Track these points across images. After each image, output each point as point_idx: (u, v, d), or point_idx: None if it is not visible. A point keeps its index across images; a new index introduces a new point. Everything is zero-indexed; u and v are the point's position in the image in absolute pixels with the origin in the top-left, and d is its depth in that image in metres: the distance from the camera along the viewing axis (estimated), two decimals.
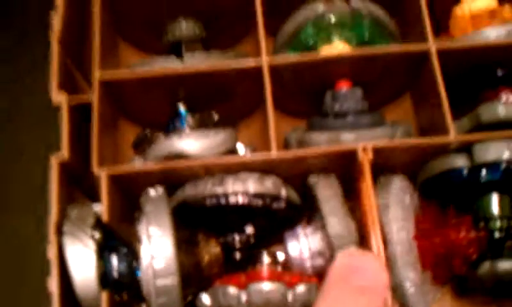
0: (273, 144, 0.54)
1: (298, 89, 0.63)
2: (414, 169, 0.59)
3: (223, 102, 0.64)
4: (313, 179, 0.56)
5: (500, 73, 0.61)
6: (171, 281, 0.47)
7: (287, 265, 0.57)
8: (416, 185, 0.60)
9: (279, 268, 0.56)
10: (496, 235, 0.57)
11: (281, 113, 0.66)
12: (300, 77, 0.61)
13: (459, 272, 0.57)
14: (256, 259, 0.56)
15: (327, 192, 0.54)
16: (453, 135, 0.55)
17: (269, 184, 0.54)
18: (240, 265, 0.56)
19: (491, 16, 0.63)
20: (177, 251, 0.48)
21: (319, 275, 0.55)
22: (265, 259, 0.56)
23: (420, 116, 0.64)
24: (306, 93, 0.63)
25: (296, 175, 0.57)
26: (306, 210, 0.59)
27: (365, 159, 0.54)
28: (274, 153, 0.54)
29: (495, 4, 0.63)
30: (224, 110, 0.63)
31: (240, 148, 0.60)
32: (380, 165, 0.56)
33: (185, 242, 0.52)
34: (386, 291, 0.42)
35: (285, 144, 0.62)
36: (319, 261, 0.55)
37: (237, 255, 0.57)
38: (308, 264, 0.56)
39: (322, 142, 0.57)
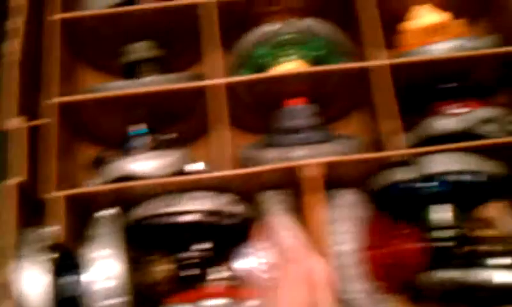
0: (226, 162, 0.56)
1: (254, 106, 0.64)
2: (367, 182, 0.60)
3: (181, 120, 0.65)
4: (261, 196, 0.57)
5: (449, 86, 0.62)
6: (120, 301, 0.48)
7: (242, 279, 0.58)
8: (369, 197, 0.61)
9: (232, 284, 0.57)
10: (443, 244, 0.58)
11: (239, 130, 0.67)
12: (255, 95, 0.62)
13: (408, 281, 0.58)
14: (211, 276, 0.58)
15: (274, 207, 0.55)
16: (399, 149, 0.56)
17: (224, 201, 0.55)
18: (195, 282, 0.57)
19: (442, 30, 0.64)
20: (128, 271, 0.49)
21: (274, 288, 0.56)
22: (219, 275, 0.58)
23: (372, 130, 0.65)
24: (261, 110, 0.64)
25: (251, 191, 0.58)
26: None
27: (313, 175, 0.55)
28: (227, 172, 0.55)
29: (445, 18, 0.64)
30: (183, 129, 0.64)
31: (199, 165, 0.61)
32: (332, 179, 0.58)
33: (138, 262, 0.53)
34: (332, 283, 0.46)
35: (242, 161, 0.63)
36: (272, 275, 0.56)
37: (192, 272, 0.58)
38: (262, 278, 0.57)
39: (273, 159, 0.58)
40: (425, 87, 0.62)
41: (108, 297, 0.49)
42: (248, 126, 0.68)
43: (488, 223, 0.60)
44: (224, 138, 0.57)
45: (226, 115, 0.57)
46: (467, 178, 0.56)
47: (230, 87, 0.59)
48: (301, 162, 0.56)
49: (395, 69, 0.60)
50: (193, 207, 0.55)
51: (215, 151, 0.61)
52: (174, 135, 0.61)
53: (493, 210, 0.60)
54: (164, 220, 0.55)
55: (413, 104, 0.63)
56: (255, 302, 0.53)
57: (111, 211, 0.54)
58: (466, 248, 0.59)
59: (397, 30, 0.66)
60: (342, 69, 0.60)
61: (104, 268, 0.49)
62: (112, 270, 0.49)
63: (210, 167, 0.62)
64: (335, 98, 0.65)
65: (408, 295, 0.63)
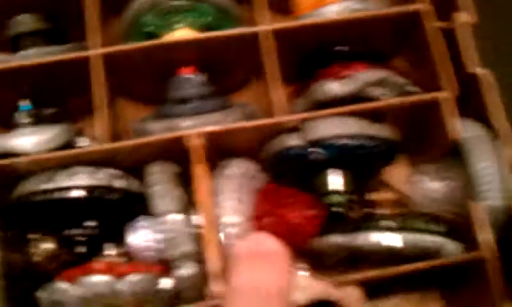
0: (102, 135, 0.54)
1: (146, 77, 0.63)
2: (261, 150, 0.60)
3: (70, 95, 0.63)
4: (147, 168, 0.56)
5: (339, 49, 0.61)
6: None
7: (131, 255, 0.57)
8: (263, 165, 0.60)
9: (122, 260, 0.56)
10: (335, 209, 0.58)
11: (134, 102, 0.66)
12: (145, 65, 0.61)
13: (300, 248, 0.57)
14: (100, 252, 0.56)
15: (157, 178, 0.54)
16: (279, 116, 0.55)
17: (101, 176, 0.54)
18: (84, 260, 0.56)
19: None
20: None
21: (163, 262, 0.55)
22: (108, 251, 0.57)
23: (266, 98, 0.64)
24: (154, 81, 0.63)
25: (140, 164, 0.57)
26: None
27: (195, 145, 0.54)
28: (108, 145, 0.54)
29: None
30: (73, 103, 0.62)
31: (83, 140, 0.59)
32: (225, 148, 0.57)
33: (14, 242, 0.52)
34: (285, 254, 0.46)
35: (133, 134, 0.62)
36: (161, 249, 0.55)
37: (78, 250, 0.56)
38: (150, 253, 0.56)
39: (158, 131, 0.57)
40: (318, 51, 0.61)
41: None
42: (143, 98, 0.66)
43: (383, 187, 0.60)
44: (115, 111, 0.55)
45: (116, 86, 0.55)
46: (351, 142, 0.55)
47: (110, 58, 0.57)
48: (183, 133, 0.54)
49: (283, 34, 0.58)
50: (72, 183, 0.53)
51: (106, 125, 0.60)
52: (54, 110, 0.59)
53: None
54: (43, 197, 0.54)
55: (308, 69, 0.62)
56: (136, 276, 0.52)
57: None
58: (359, 212, 0.58)
59: None
60: (227, 35, 0.58)
61: None
62: None
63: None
64: (230, 67, 0.64)
65: (307, 261, 0.63)
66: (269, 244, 0.47)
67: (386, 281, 0.62)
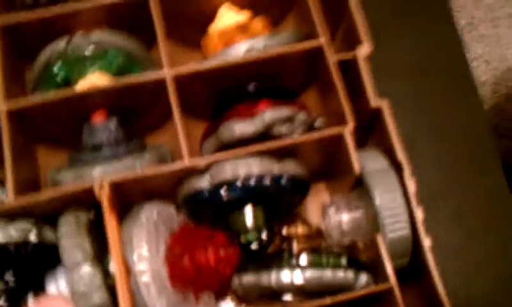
0: (10, 189, 0.55)
1: (60, 123, 0.63)
2: (174, 191, 0.61)
3: None
4: (58, 219, 0.57)
5: (249, 88, 0.62)
6: None
7: None
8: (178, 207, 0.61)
9: None
10: (251, 247, 0.59)
11: (53, 148, 0.67)
12: (57, 113, 0.62)
13: (214, 289, 0.59)
14: (21, 304, 0.57)
15: (66, 230, 0.55)
16: (186, 159, 0.56)
17: (13, 232, 0.55)
18: None
19: (241, 31, 0.64)
20: None
21: None
22: (30, 301, 0.58)
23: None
24: (68, 128, 0.63)
25: (55, 212, 0.58)
26: None
27: (103, 195, 0.55)
28: (11, 200, 0.55)
29: (243, 18, 0.64)
30: None
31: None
32: (131, 193, 0.58)
33: None
34: None
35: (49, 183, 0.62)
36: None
37: (1, 302, 0.57)
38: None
39: (69, 180, 0.58)
40: (228, 91, 0.62)
41: None
42: (63, 143, 0.67)
43: (298, 221, 0.61)
44: (34, 160, 0.56)
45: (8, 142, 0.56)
46: (258, 181, 0.56)
47: (17, 113, 0.58)
48: (90, 183, 0.55)
49: (191, 77, 0.60)
50: None
51: (26, 176, 0.60)
52: None
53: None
54: None
55: (221, 109, 0.63)
56: None
57: None
58: (274, 248, 0.60)
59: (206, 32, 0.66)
60: (134, 81, 0.59)
61: None
62: None
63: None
64: (143, 109, 0.65)
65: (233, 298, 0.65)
66: None
67: None
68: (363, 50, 0.60)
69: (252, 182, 0.56)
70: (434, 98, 0.77)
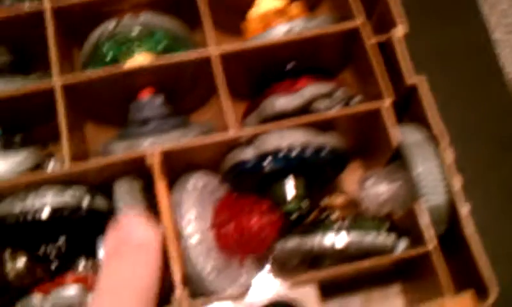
0: (66, 158, 0.58)
1: (107, 101, 0.66)
2: (220, 164, 0.64)
3: (40, 122, 0.67)
4: (114, 185, 0.60)
5: (288, 67, 0.65)
6: None
7: None
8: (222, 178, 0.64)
9: (91, 272, 0.60)
10: (292, 216, 0.62)
11: (101, 125, 0.70)
12: (105, 91, 0.65)
13: (259, 253, 0.61)
14: (71, 267, 0.60)
15: (120, 195, 0.58)
16: (232, 131, 0.59)
17: (68, 196, 0.58)
18: (57, 274, 0.60)
19: (279, 15, 0.67)
20: None
21: None
22: (81, 264, 0.60)
23: (222, 116, 0.68)
24: (116, 105, 0.67)
25: (104, 182, 0.61)
26: None
27: (154, 162, 0.58)
28: (67, 167, 0.58)
29: (281, 3, 0.67)
30: (41, 130, 0.66)
31: (51, 163, 0.63)
32: (179, 165, 0.61)
33: None
34: (157, 243, 0.44)
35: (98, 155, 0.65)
36: None
37: (53, 265, 0.60)
38: None
39: (119, 151, 0.61)
40: (269, 70, 0.65)
41: None
42: (110, 121, 0.70)
43: (336, 192, 0.64)
44: (62, 135, 0.59)
45: (64, 115, 0.59)
46: (301, 151, 0.59)
47: (70, 87, 0.61)
48: (142, 151, 0.58)
49: (234, 56, 0.63)
50: (42, 204, 0.57)
51: (76, 149, 0.63)
52: (22, 136, 0.62)
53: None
54: (15, 219, 0.57)
55: (260, 88, 0.66)
56: None
57: None
58: (313, 217, 0.62)
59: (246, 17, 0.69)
60: (180, 59, 0.62)
61: None
62: None
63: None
64: (186, 88, 0.68)
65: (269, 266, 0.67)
66: (138, 232, 0.45)
67: (347, 280, 0.66)
68: (399, 31, 0.63)
69: (295, 153, 0.59)
70: (462, 89, 0.80)
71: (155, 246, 0.43)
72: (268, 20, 0.67)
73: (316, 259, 0.61)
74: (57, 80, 0.61)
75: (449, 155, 0.59)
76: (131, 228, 0.44)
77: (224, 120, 0.63)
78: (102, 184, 0.61)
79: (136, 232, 0.44)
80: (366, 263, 0.56)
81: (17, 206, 0.56)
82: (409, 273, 0.65)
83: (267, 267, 0.66)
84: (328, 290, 0.58)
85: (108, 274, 0.42)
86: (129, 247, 0.43)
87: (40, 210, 0.57)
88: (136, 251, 0.43)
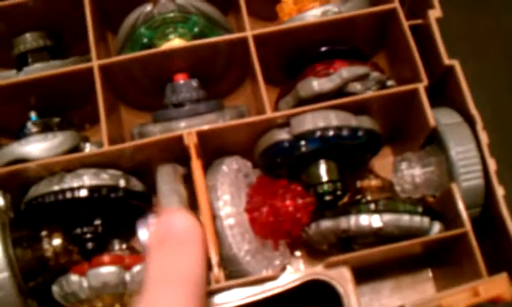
0: (104, 138, 0.59)
1: (142, 85, 0.67)
2: (254, 146, 0.64)
3: (76, 105, 0.68)
4: (155, 170, 0.60)
5: (322, 49, 0.65)
6: (2, 276, 0.52)
7: (139, 249, 0.61)
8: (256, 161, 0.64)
9: (127, 253, 0.60)
10: (325, 198, 0.62)
11: (133, 109, 0.70)
12: (140, 74, 0.65)
13: (293, 236, 0.61)
14: (108, 247, 0.61)
15: (162, 177, 0.58)
16: (268, 113, 0.59)
17: (106, 176, 0.58)
18: (92, 255, 0.60)
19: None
20: (10, 249, 0.52)
21: None
22: (116, 246, 0.61)
23: (256, 100, 0.68)
24: (152, 88, 0.67)
25: (139, 165, 0.61)
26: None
27: (191, 143, 0.58)
28: (106, 148, 0.58)
29: None
30: (80, 112, 0.67)
31: (88, 145, 0.64)
32: (214, 147, 0.61)
33: (26, 239, 0.56)
34: (201, 234, 0.44)
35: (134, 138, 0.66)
36: None
37: (89, 245, 0.61)
38: None
39: (157, 133, 0.61)
40: (303, 53, 0.66)
41: None
42: (142, 105, 0.71)
43: (369, 175, 0.64)
44: (101, 118, 0.59)
45: (102, 97, 0.60)
46: (336, 133, 0.59)
47: (106, 68, 0.62)
48: (179, 132, 0.58)
49: (268, 39, 0.63)
50: (79, 183, 0.58)
51: (109, 131, 0.64)
52: (60, 119, 0.63)
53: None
54: (54, 197, 0.58)
55: (294, 71, 0.67)
56: (142, 266, 0.56)
57: None
58: (347, 199, 0.63)
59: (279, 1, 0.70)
60: (215, 41, 0.63)
61: None
62: None
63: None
64: (220, 72, 0.68)
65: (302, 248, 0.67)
66: (181, 224, 0.44)
67: (378, 266, 0.66)
68: (435, 14, 0.63)
69: (331, 133, 0.59)
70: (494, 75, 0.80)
71: (199, 237, 0.44)
72: (302, 3, 0.67)
73: (348, 242, 0.61)
74: (95, 61, 0.61)
75: (484, 137, 0.59)
76: (174, 220, 0.44)
77: (257, 105, 0.64)
78: (137, 169, 0.62)
79: (179, 224, 0.44)
80: (402, 244, 0.56)
81: (55, 186, 0.57)
82: (439, 259, 0.65)
83: (301, 249, 0.67)
84: (360, 274, 0.58)
85: (155, 267, 0.42)
86: (173, 238, 0.43)
87: (78, 188, 0.57)
88: (181, 242, 0.43)
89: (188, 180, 0.60)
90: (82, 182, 0.57)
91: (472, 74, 0.63)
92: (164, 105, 0.66)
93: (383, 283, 0.68)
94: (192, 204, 0.58)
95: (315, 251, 0.67)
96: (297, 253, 0.68)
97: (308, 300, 0.59)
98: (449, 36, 0.65)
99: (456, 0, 0.80)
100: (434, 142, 0.62)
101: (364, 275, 0.63)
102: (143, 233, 0.61)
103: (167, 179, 0.60)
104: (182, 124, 0.61)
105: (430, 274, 0.68)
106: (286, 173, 0.64)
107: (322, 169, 0.62)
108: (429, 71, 0.62)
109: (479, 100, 0.62)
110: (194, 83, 0.65)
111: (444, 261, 0.64)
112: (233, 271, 0.59)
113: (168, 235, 0.44)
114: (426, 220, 0.57)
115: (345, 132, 0.59)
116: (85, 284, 0.56)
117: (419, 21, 0.64)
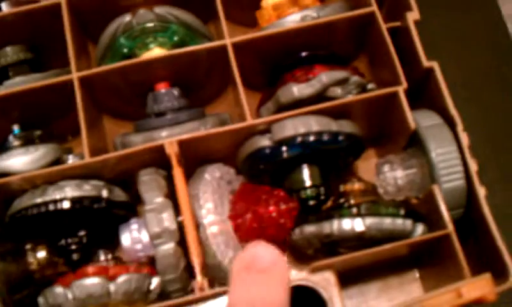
0: (85, 150, 0.59)
1: (124, 95, 0.67)
2: (234, 153, 0.64)
3: (58, 117, 0.68)
4: (137, 176, 0.61)
5: (302, 54, 0.65)
6: None
7: (123, 258, 0.61)
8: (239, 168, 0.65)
9: (111, 263, 0.60)
10: (309, 203, 0.62)
11: (115, 119, 0.70)
12: (121, 84, 0.65)
13: (278, 241, 0.62)
14: (94, 258, 0.61)
15: (146, 187, 0.58)
16: (249, 120, 0.59)
17: (88, 187, 0.58)
18: (77, 266, 0.61)
19: (293, 4, 0.68)
20: None
21: (152, 263, 0.59)
22: (102, 256, 0.61)
23: (237, 107, 0.68)
24: (132, 98, 0.67)
25: (124, 174, 0.62)
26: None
27: (172, 152, 0.58)
28: (87, 159, 0.58)
29: None
30: (63, 124, 0.67)
31: (71, 157, 0.64)
32: (196, 155, 0.61)
33: (10, 253, 0.56)
34: (284, 267, 0.45)
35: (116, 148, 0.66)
36: (151, 251, 0.60)
37: (75, 256, 0.61)
38: (140, 254, 0.60)
39: (139, 143, 0.61)
40: (283, 59, 0.66)
41: None
42: (125, 115, 0.71)
43: (352, 179, 0.64)
44: (81, 129, 0.59)
45: (82, 108, 0.60)
46: (317, 138, 0.59)
47: (87, 79, 0.62)
48: (161, 142, 0.59)
49: (248, 45, 0.63)
50: (62, 195, 0.58)
51: (94, 143, 0.64)
52: (41, 132, 0.63)
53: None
54: (37, 210, 0.58)
55: (275, 77, 0.67)
56: (127, 277, 0.56)
57: None
58: (330, 203, 0.63)
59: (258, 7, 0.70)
60: (195, 50, 0.63)
61: None
62: None
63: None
64: (201, 80, 0.69)
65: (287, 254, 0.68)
66: (267, 254, 0.43)
67: (365, 268, 0.66)
68: (413, 16, 0.63)
69: (311, 138, 0.59)
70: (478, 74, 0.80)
71: (282, 269, 0.44)
72: (282, 8, 0.67)
73: (333, 246, 0.61)
74: (75, 73, 0.61)
75: (465, 138, 0.59)
76: (259, 250, 0.45)
77: (239, 112, 0.64)
78: (119, 179, 0.62)
79: (265, 254, 0.44)
80: (385, 247, 0.57)
81: (38, 198, 0.57)
82: (425, 260, 0.65)
83: (288, 253, 0.67)
84: (346, 278, 0.59)
85: (238, 293, 0.42)
86: (257, 268, 0.44)
87: (61, 200, 0.57)
88: (266, 271, 0.44)
89: (171, 188, 0.60)
90: (65, 194, 0.57)
91: (453, 74, 0.63)
92: (145, 114, 0.66)
93: (370, 285, 0.68)
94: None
95: (301, 255, 0.67)
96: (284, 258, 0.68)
97: (297, 304, 0.59)
98: (429, 36, 0.65)
99: (434, 1, 0.81)
100: (416, 144, 0.62)
101: (350, 278, 0.64)
102: (126, 238, 0.60)
103: (149, 179, 0.60)
104: (164, 133, 0.61)
105: (417, 275, 0.68)
106: (269, 179, 0.64)
107: (305, 174, 0.62)
108: (409, 73, 0.62)
109: (460, 100, 0.62)
110: (176, 92, 0.65)
111: (430, 262, 0.64)
112: (217, 278, 0.59)
113: (253, 263, 0.44)
114: (409, 222, 0.58)
115: (325, 137, 0.59)
116: (70, 296, 0.56)
117: (397, 23, 0.64)
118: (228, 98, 0.71)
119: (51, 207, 0.57)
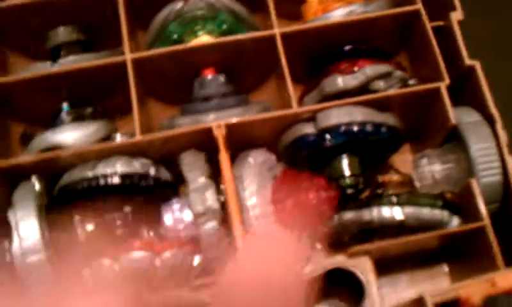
0: (137, 128, 0.61)
1: (171, 79, 0.69)
2: (278, 140, 0.66)
3: (109, 95, 0.70)
4: (180, 157, 0.63)
5: (346, 48, 0.67)
6: (38, 257, 0.54)
7: (164, 235, 0.63)
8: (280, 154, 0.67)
9: (155, 239, 0.62)
10: (348, 191, 0.64)
11: (160, 102, 0.73)
12: (169, 69, 0.67)
13: (317, 227, 0.63)
14: (137, 233, 0.63)
15: (189, 167, 0.61)
16: (295, 107, 0.61)
17: (137, 164, 0.61)
18: (123, 240, 0.63)
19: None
20: (45, 231, 0.55)
21: (194, 242, 0.61)
22: (144, 233, 0.63)
23: (281, 96, 0.70)
24: (179, 83, 0.69)
25: (169, 155, 0.64)
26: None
27: (219, 135, 0.60)
28: (139, 137, 0.61)
29: None
30: (111, 103, 0.70)
31: (118, 135, 0.66)
32: (240, 140, 0.63)
33: (60, 223, 0.58)
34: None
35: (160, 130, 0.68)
36: (192, 230, 0.62)
37: (120, 231, 0.63)
38: (182, 233, 0.62)
39: (186, 125, 0.63)
40: (327, 52, 0.68)
41: (26, 255, 0.54)
42: (170, 99, 0.73)
43: (390, 171, 0.66)
44: (134, 109, 0.62)
45: (134, 89, 0.62)
46: (360, 128, 0.61)
47: (138, 62, 0.64)
48: (208, 124, 0.61)
49: (294, 37, 0.65)
50: (111, 171, 0.60)
51: (140, 122, 0.66)
52: (92, 110, 0.65)
53: None
54: (87, 184, 0.60)
55: (318, 69, 0.69)
56: (171, 252, 0.58)
57: (31, 180, 0.59)
58: (368, 193, 0.65)
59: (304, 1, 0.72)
60: (243, 38, 0.65)
61: (21, 230, 0.54)
62: (28, 231, 0.55)
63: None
64: (246, 68, 0.70)
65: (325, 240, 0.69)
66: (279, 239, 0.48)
67: (396, 259, 0.68)
68: (457, 16, 0.65)
69: (355, 128, 0.61)
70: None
71: (294, 251, 0.46)
72: (327, 3, 0.69)
73: (369, 234, 0.63)
74: (129, 55, 0.63)
75: (504, 136, 0.61)
76: (268, 236, 0.47)
77: (282, 100, 0.66)
78: (164, 159, 0.64)
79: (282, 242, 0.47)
80: (424, 236, 0.58)
81: (89, 172, 0.59)
82: (455, 253, 0.67)
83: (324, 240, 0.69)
84: (377, 267, 0.61)
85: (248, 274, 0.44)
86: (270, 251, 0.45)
87: (111, 175, 0.59)
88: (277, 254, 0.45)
89: (215, 171, 0.62)
90: (115, 169, 0.59)
91: (493, 74, 0.65)
92: (191, 99, 0.68)
93: (400, 276, 0.70)
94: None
95: (333, 245, 0.68)
96: (317, 246, 0.70)
97: (334, 287, 0.61)
98: (470, 37, 0.66)
99: (476, 3, 0.82)
100: (452, 140, 0.64)
101: (381, 268, 0.65)
102: (168, 218, 0.63)
103: (191, 166, 0.62)
104: (211, 117, 0.63)
105: (446, 269, 0.70)
106: (308, 166, 0.65)
107: (345, 163, 0.64)
108: (450, 71, 0.64)
109: (500, 99, 0.63)
110: (222, 78, 0.67)
111: (461, 255, 0.65)
112: None
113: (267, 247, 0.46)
114: (446, 213, 0.59)
115: (369, 128, 0.61)
116: (117, 268, 0.57)
117: (441, 23, 0.66)
118: (270, 88, 0.73)
119: (101, 181, 0.59)
